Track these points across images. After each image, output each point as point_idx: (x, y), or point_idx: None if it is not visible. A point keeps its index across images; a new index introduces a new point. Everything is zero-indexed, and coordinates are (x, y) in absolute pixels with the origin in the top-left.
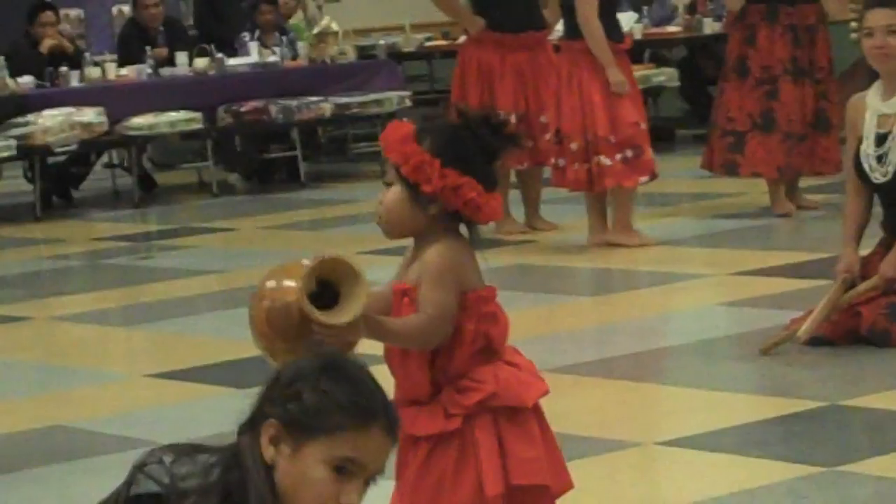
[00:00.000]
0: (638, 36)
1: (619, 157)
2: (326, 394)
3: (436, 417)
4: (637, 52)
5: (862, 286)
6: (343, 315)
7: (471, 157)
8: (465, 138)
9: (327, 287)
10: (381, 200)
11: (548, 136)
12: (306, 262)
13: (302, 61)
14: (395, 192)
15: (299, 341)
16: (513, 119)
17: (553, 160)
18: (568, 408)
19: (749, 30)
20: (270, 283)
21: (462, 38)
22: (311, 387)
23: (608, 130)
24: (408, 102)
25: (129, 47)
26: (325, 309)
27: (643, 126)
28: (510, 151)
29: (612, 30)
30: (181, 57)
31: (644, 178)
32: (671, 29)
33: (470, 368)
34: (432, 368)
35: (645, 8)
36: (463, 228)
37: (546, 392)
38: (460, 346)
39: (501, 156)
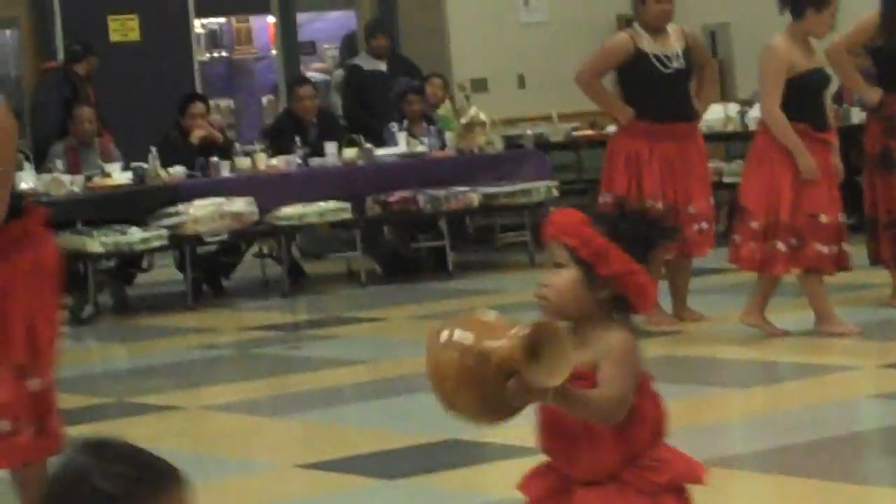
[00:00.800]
0: None
1: (791, 241)
2: (121, 476)
3: (627, 496)
4: None
5: None
6: (553, 377)
7: (638, 246)
8: (631, 228)
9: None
10: (546, 283)
11: (696, 227)
12: (487, 317)
13: (450, 151)
14: (567, 275)
15: (481, 395)
16: (660, 207)
17: (734, 235)
18: (718, 501)
19: (889, 121)
20: (461, 335)
21: (610, 128)
22: (102, 475)
23: (789, 216)
24: (555, 192)
25: (282, 137)
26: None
27: (823, 219)
28: (665, 245)
29: (816, 118)
30: (331, 147)
31: (796, 270)
32: None
33: (647, 448)
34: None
35: None
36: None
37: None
38: (641, 425)
39: (657, 249)
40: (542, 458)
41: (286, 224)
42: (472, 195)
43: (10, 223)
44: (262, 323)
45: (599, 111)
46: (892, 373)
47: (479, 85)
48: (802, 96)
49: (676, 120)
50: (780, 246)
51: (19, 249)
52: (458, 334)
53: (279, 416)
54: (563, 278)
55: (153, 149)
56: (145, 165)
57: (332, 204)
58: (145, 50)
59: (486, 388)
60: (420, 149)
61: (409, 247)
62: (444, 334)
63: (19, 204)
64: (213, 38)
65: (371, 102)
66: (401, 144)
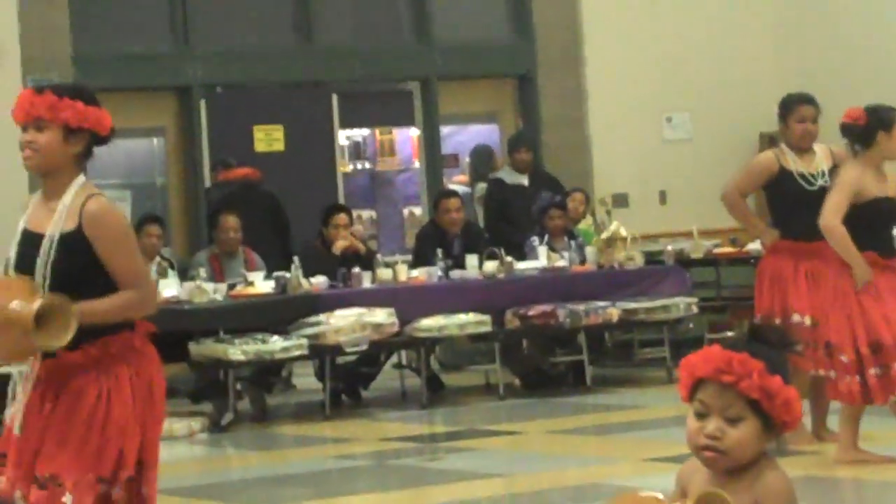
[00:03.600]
0: None
1: (871, 371)
2: None
3: None
4: None
5: None
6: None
7: (785, 369)
8: (777, 355)
9: None
10: (718, 435)
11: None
12: (655, 494)
13: (590, 265)
14: (749, 428)
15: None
16: (808, 322)
17: (824, 371)
18: None
19: None
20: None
21: (751, 246)
22: None
23: (865, 342)
24: (694, 309)
25: (425, 249)
26: None
27: (888, 341)
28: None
29: (879, 244)
30: (472, 260)
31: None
32: None
33: None
34: None
35: None
36: None
37: None
38: None
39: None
40: None
41: (426, 336)
42: (612, 310)
43: (118, 333)
44: (399, 434)
45: (740, 228)
46: None
47: (621, 200)
48: (871, 224)
49: (822, 239)
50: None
51: (120, 362)
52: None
53: None
54: (746, 432)
55: (296, 258)
56: (288, 275)
57: (471, 316)
58: (290, 160)
59: None
60: (560, 263)
61: (547, 360)
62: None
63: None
64: (357, 150)
65: (513, 216)
66: (541, 258)
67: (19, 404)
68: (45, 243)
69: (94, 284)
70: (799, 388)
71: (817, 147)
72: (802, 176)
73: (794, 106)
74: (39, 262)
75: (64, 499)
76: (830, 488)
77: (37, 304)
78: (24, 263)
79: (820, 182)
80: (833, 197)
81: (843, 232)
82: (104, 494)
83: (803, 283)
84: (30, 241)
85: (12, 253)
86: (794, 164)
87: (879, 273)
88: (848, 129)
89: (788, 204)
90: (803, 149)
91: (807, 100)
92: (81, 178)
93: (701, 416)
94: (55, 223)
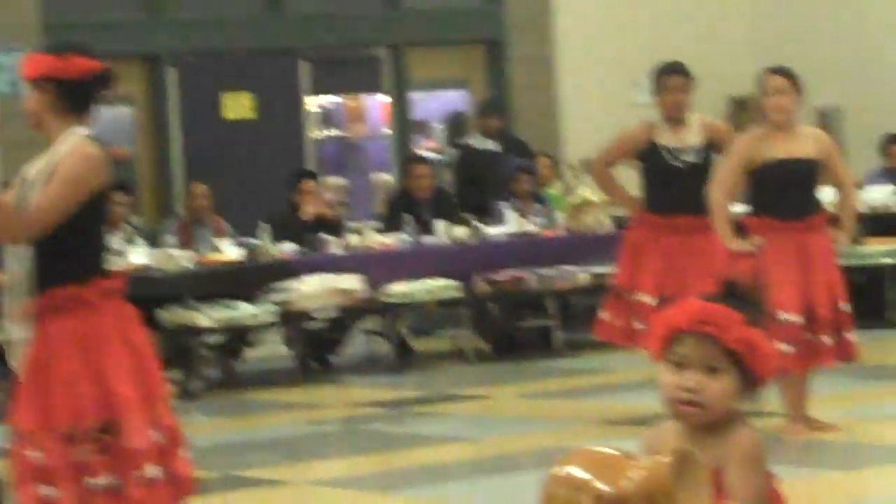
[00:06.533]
0: (895, 209)
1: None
2: None
3: None
4: (894, 225)
5: None
6: None
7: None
8: (751, 311)
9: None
10: (696, 388)
11: None
12: (614, 451)
13: (559, 230)
14: (728, 381)
15: None
16: (651, 301)
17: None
18: None
19: None
20: (576, 472)
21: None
22: None
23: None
24: None
25: (395, 215)
26: None
27: (781, 317)
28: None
29: (778, 207)
30: (440, 225)
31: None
32: None
33: None
34: None
35: None
36: None
37: None
38: None
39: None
40: None
41: (395, 301)
42: (581, 275)
43: (62, 285)
44: (368, 399)
45: None
46: None
47: (590, 165)
48: (766, 187)
49: (682, 213)
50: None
51: (65, 315)
52: (574, 471)
53: (384, 492)
54: (724, 385)
55: (264, 225)
56: (256, 241)
57: (440, 282)
58: (258, 127)
59: None
60: (529, 228)
61: (516, 325)
62: (560, 470)
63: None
64: (326, 116)
65: (482, 181)
66: (510, 223)
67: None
68: (19, 182)
69: (62, 227)
70: None
71: (693, 120)
72: (670, 150)
73: (663, 76)
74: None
75: (28, 452)
76: (796, 448)
77: None
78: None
79: (688, 158)
80: (719, 168)
81: (715, 201)
82: (69, 445)
83: (657, 261)
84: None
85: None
86: (665, 137)
87: (777, 237)
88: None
89: (655, 177)
90: (674, 120)
91: (675, 69)
92: (76, 129)
93: (678, 369)
94: (35, 165)
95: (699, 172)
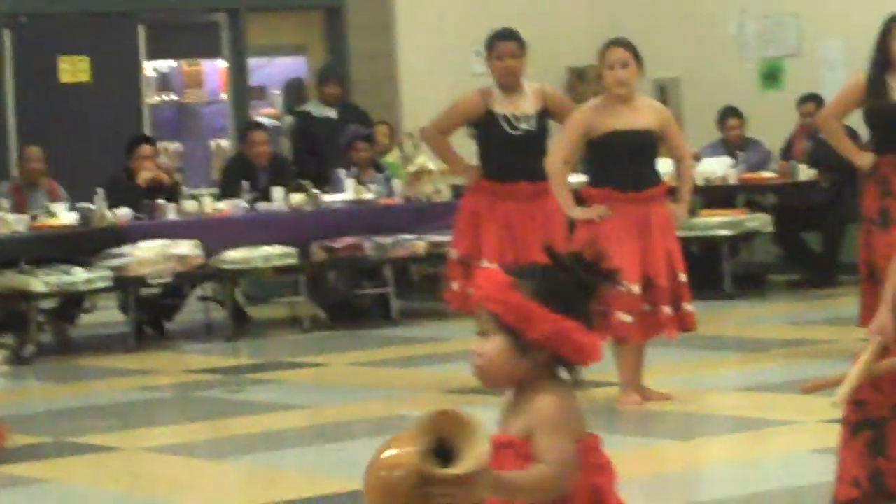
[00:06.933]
0: (732, 181)
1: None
2: None
3: None
4: (731, 196)
5: (889, 363)
6: (463, 467)
7: (571, 298)
8: (561, 279)
9: (445, 449)
10: (478, 352)
11: None
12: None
13: (397, 199)
14: (495, 343)
15: None
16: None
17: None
18: None
19: (884, 183)
20: (386, 454)
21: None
22: None
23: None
24: None
25: (231, 181)
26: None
27: (621, 287)
28: (608, 288)
29: (617, 178)
30: (278, 192)
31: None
32: (765, 174)
33: None
34: None
35: (740, 153)
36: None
37: None
38: (571, 501)
39: (599, 293)
40: None
41: (231, 268)
42: (419, 243)
43: None
44: (203, 366)
45: None
46: (832, 427)
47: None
48: (605, 158)
49: (519, 179)
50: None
51: None
52: (385, 454)
53: (218, 460)
54: (492, 346)
55: (100, 190)
56: (91, 206)
57: (277, 249)
58: (95, 91)
59: (421, 500)
60: (367, 196)
61: (353, 293)
62: (381, 456)
63: None
64: (163, 81)
65: (320, 149)
66: (348, 191)
67: None
68: None
69: None
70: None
71: (528, 87)
72: (507, 118)
73: (493, 43)
74: None
75: None
76: (627, 419)
77: None
78: None
79: (523, 126)
80: (559, 138)
81: (555, 170)
82: None
83: (497, 228)
84: None
85: None
86: (500, 105)
87: (616, 208)
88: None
89: (491, 144)
90: (507, 87)
91: (506, 35)
92: None
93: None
94: None
95: (535, 140)
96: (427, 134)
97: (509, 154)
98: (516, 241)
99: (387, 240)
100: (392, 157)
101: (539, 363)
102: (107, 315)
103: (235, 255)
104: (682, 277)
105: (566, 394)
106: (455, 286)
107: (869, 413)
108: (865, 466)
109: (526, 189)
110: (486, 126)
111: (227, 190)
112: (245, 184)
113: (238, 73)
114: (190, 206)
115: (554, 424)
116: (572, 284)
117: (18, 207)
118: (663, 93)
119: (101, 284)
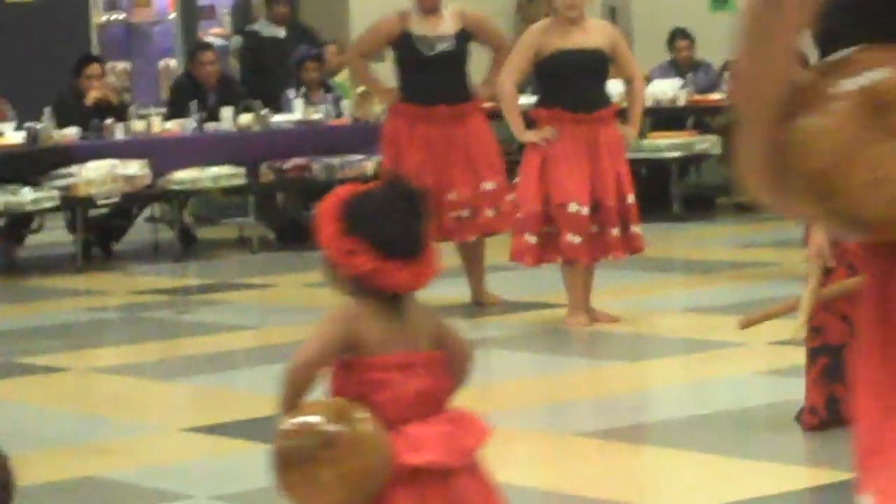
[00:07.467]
0: (681, 102)
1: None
2: None
3: None
4: (680, 118)
5: (838, 287)
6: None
7: (375, 221)
8: (376, 203)
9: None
10: None
11: (454, 215)
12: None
13: (346, 119)
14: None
15: None
16: None
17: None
18: (597, 474)
19: None
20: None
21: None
22: None
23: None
24: None
25: (180, 102)
26: None
27: (570, 208)
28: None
29: (567, 98)
30: (226, 112)
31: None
32: (715, 96)
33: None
34: None
35: (689, 74)
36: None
37: (429, 461)
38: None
39: (422, 221)
40: None
41: (179, 188)
42: (367, 163)
43: None
44: (151, 287)
45: None
46: (780, 349)
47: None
48: (554, 77)
49: (437, 103)
50: (529, 238)
51: None
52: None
53: (166, 380)
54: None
55: (47, 109)
56: (39, 126)
57: (226, 169)
58: (41, 11)
59: None
60: (316, 116)
61: (302, 214)
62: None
63: None
64: (112, 1)
65: (269, 69)
66: (297, 111)
67: None
68: None
69: None
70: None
71: (447, 11)
72: (423, 39)
73: None
74: None
75: None
76: (575, 340)
77: None
78: None
79: (440, 47)
80: (508, 59)
81: (505, 92)
82: None
83: (414, 152)
84: None
85: None
86: (418, 26)
87: (566, 129)
88: None
89: (408, 67)
90: (426, 9)
91: None
92: None
93: None
94: None
95: (453, 61)
96: (348, 56)
97: (426, 76)
98: (437, 165)
99: (335, 160)
100: (341, 78)
101: (347, 282)
102: (54, 235)
103: (184, 176)
104: (631, 199)
105: (361, 308)
106: None
107: (827, 339)
108: (822, 393)
109: (444, 112)
110: (402, 48)
111: (176, 110)
112: (193, 104)
113: None
114: (138, 126)
115: (319, 324)
116: (390, 209)
117: None
118: (613, 14)
119: (48, 204)
